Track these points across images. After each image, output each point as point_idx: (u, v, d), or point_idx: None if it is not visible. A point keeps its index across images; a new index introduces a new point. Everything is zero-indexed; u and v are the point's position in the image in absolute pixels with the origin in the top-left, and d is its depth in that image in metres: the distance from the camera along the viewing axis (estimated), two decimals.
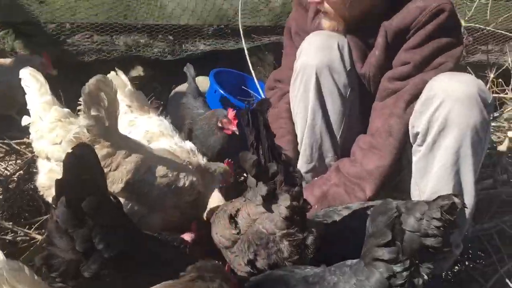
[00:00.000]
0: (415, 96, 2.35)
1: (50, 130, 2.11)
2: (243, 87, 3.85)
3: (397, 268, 1.53)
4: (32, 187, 2.90)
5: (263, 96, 3.56)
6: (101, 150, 2.03)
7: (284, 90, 2.81)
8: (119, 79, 2.67)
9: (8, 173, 2.90)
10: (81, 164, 1.70)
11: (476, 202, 2.33)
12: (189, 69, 3.59)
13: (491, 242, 2.84)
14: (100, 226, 1.67)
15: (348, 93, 2.53)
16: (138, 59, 4.39)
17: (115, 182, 2.04)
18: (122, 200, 2.02)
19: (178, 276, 1.59)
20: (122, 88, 2.64)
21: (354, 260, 1.66)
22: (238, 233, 1.93)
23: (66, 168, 1.68)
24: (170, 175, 2.13)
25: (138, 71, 4.40)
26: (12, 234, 2.47)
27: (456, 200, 1.52)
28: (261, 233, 1.85)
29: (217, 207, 2.18)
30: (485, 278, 2.61)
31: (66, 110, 2.19)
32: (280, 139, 2.60)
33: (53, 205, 1.71)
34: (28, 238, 2.47)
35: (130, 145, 2.17)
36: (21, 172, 2.95)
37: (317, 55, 2.48)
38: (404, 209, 1.58)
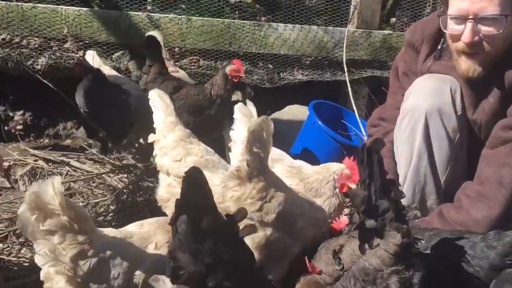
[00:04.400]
0: None
1: (173, 148, 2.28)
2: (341, 120, 3.90)
3: None
4: (141, 199, 3.15)
5: (363, 131, 3.60)
6: (257, 184, 2.15)
7: (387, 129, 2.83)
8: (247, 110, 2.50)
9: (121, 186, 3.14)
10: (196, 186, 1.79)
11: None
12: None
13: None
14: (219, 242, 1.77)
15: (457, 137, 2.52)
16: (237, 85, 4.60)
17: (269, 212, 2.15)
18: (272, 230, 2.16)
19: None
20: (249, 118, 2.49)
21: None
22: (341, 269, 1.97)
23: (184, 190, 1.77)
24: (310, 207, 2.23)
25: (237, 96, 4.61)
26: None
27: None
28: (367, 269, 1.87)
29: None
30: None
31: (188, 130, 2.35)
32: None
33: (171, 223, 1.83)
34: None
35: (277, 180, 2.29)
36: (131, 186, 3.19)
37: (428, 98, 2.49)
38: None
